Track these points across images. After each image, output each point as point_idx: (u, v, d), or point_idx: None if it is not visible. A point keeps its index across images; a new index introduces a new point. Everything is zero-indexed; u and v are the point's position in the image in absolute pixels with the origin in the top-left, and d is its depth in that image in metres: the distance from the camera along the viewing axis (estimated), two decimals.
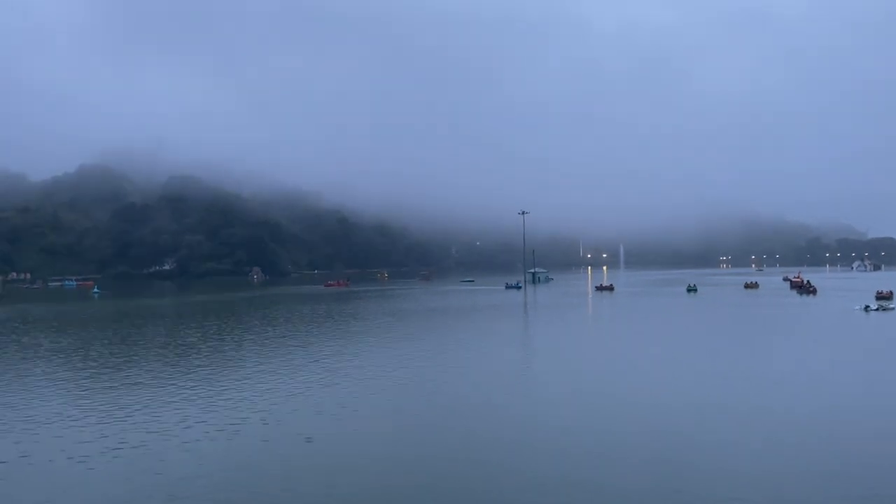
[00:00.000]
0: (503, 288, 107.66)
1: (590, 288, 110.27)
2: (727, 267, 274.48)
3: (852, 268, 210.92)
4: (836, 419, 21.29)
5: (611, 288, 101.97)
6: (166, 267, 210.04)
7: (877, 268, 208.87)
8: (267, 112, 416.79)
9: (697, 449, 18.35)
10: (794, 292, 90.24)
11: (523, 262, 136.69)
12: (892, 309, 60.26)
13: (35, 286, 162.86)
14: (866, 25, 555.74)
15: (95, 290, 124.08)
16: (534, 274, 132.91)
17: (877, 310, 59.30)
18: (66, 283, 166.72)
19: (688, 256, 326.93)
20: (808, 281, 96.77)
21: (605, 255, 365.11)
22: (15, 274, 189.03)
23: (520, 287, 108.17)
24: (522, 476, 16.28)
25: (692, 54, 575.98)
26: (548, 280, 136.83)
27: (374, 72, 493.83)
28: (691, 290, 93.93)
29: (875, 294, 72.38)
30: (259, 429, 20.99)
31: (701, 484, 15.59)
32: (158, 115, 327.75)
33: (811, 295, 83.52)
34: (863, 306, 60.69)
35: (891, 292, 72.97)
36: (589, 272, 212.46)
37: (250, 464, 17.63)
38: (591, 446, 18.70)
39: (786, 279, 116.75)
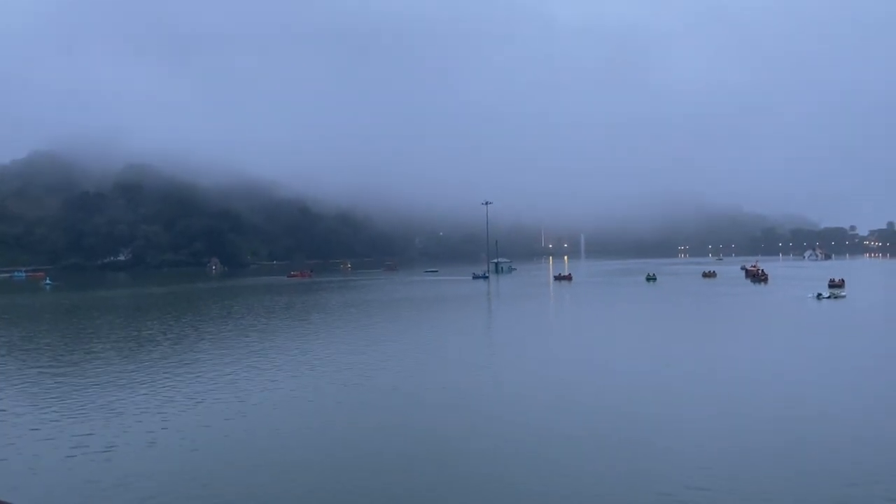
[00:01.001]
0: (470, 278, 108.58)
1: (550, 278, 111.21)
2: (686, 256, 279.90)
3: (804, 257, 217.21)
4: (787, 405, 21.77)
5: (569, 278, 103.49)
6: (121, 258, 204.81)
7: (827, 257, 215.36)
8: (225, 101, 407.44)
9: (657, 436, 18.54)
10: (749, 281, 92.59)
11: (487, 252, 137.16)
12: (843, 297, 62.12)
13: None
14: (822, 23, 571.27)
15: (48, 281, 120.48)
16: (497, 264, 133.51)
17: (828, 297, 61.08)
18: (16, 274, 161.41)
19: (647, 246, 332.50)
20: (761, 270, 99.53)
21: (566, 245, 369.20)
22: None
23: (487, 277, 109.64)
24: (488, 468, 16.28)
25: (653, 49, 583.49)
26: (511, 270, 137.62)
27: (335, 62, 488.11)
28: (650, 279, 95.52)
29: (828, 282, 74.52)
30: (221, 424, 20.56)
31: (663, 470, 15.78)
32: (113, 103, 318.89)
33: (763, 283, 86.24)
34: (815, 294, 62.43)
35: (842, 280, 75.21)
36: (550, 262, 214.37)
37: (212, 461, 17.25)
38: (553, 439, 18.80)
39: (743, 268, 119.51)
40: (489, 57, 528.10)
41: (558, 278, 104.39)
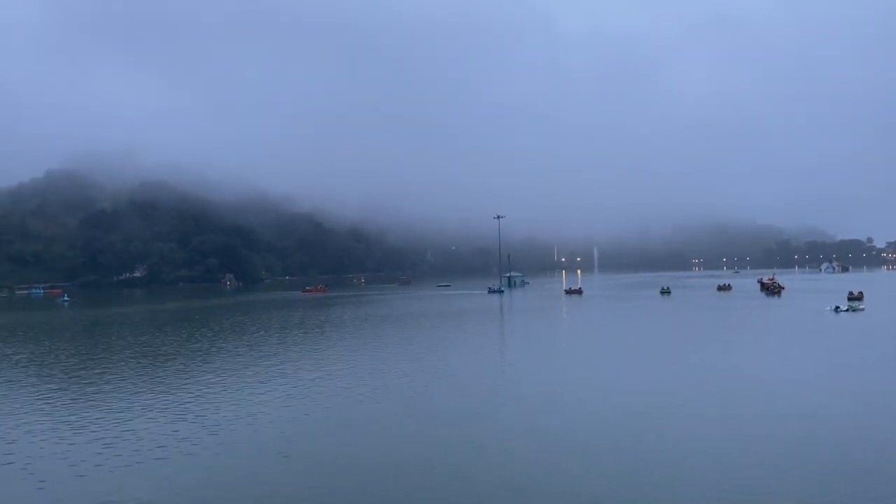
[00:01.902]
0: (485, 292, 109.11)
1: (563, 292, 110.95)
2: (700, 269, 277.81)
3: (821, 269, 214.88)
4: (806, 424, 21.43)
5: (579, 292, 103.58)
6: (137, 274, 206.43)
7: (845, 269, 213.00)
8: (237, 116, 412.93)
9: (670, 453, 18.29)
10: (764, 294, 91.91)
11: (499, 266, 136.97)
12: (862, 309, 61.26)
13: (2, 295, 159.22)
14: (829, 29, 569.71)
15: (65, 298, 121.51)
16: (509, 278, 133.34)
17: (847, 310, 60.25)
18: (34, 291, 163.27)
19: (661, 259, 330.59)
20: (777, 283, 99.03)
21: (579, 259, 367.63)
22: None
23: (502, 291, 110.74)
24: (500, 484, 16.11)
25: (659, 59, 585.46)
26: (524, 284, 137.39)
27: (346, 76, 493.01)
28: (665, 292, 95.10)
29: (847, 295, 73.68)
30: (234, 442, 20.51)
31: (679, 484, 15.54)
32: (128, 120, 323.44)
33: (776, 296, 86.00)
34: (833, 307, 61.63)
35: (861, 293, 74.29)
36: (563, 276, 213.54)
37: (224, 480, 17.13)
38: (563, 453, 18.59)
39: (760, 281, 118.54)
40: (496, 69, 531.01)
41: (569, 292, 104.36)
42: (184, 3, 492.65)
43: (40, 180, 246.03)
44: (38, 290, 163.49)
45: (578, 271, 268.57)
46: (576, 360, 36.78)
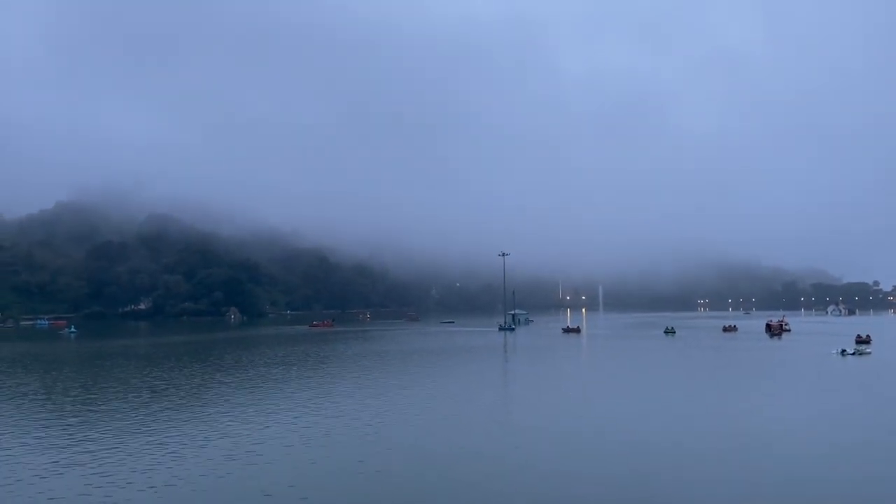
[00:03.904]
0: (496, 329, 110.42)
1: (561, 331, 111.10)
2: (705, 310, 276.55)
3: (827, 312, 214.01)
4: (807, 473, 21.40)
5: (577, 330, 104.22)
6: (142, 307, 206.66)
7: (851, 312, 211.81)
8: (245, 150, 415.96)
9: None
10: (768, 335, 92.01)
11: (504, 303, 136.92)
12: (869, 353, 61.00)
13: (7, 325, 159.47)
14: (830, 71, 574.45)
15: (72, 329, 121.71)
16: (514, 316, 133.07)
17: (853, 354, 60.02)
18: (39, 322, 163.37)
19: (666, 299, 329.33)
20: (784, 324, 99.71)
21: (583, 298, 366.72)
22: None
23: (512, 329, 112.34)
24: None
25: (660, 97, 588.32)
26: (528, 322, 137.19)
27: (352, 112, 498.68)
28: (669, 332, 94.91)
29: (855, 338, 73.40)
30: (224, 478, 20.57)
31: None
32: (136, 154, 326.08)
33: (777, 337, 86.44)
34: (839, 350, 61.43)
35: (868, 336, 74.00)
36: (568, 314, 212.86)
37: None
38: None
39: (768, 324, 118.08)
40: (500, 107, 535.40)
41: (566, 331, 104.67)
42: (192, 37, 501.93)
43: (49, 211, 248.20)
44: (44, 322, 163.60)
45: (583, 310, 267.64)
46: (575, 401, 36.72)
